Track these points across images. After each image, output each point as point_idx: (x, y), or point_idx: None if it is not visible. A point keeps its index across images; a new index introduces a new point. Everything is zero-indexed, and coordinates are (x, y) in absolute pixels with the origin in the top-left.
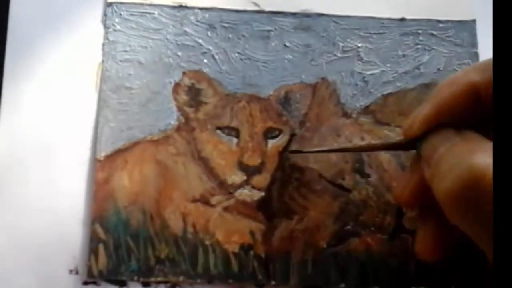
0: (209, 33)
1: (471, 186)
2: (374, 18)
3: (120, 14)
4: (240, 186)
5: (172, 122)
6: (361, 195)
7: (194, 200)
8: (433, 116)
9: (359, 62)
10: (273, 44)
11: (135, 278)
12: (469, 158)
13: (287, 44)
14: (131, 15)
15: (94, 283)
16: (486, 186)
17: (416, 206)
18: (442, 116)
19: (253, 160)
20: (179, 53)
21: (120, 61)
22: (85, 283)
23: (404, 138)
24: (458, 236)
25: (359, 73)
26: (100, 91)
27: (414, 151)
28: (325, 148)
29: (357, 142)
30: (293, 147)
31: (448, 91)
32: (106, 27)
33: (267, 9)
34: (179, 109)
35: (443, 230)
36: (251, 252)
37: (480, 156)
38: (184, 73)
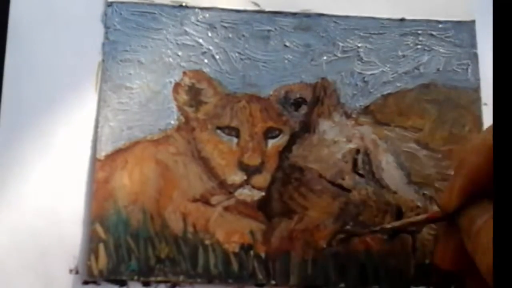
0: (209, 33)
1: None
2: (374, 18)
3: (121, 14)
4: (240, 186)
5: (172, 121)
6: (361, 195)
7: (194, 200)
8: (468, 187)
9: (359, 62)
10: (273, 44)
11: (135, 277)
12: None
13: (287, 44)
14: (132, 14)
15: (94, 282)
16: None
17: (457, 269)
18: (476, 186)
19: (253, 160)
20: (179, 53)
21: (120, 60)
22: (85, 282)
23: (443, 211)
24: None
25: (359, 73)
26: (100, 91)
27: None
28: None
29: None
30: (293, 147)
31: (476, 160)
32: (106, 26)
33: (267, 9)
34: (179, 108)
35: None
36: (251, 252)
37: None
38: (184, 72)
